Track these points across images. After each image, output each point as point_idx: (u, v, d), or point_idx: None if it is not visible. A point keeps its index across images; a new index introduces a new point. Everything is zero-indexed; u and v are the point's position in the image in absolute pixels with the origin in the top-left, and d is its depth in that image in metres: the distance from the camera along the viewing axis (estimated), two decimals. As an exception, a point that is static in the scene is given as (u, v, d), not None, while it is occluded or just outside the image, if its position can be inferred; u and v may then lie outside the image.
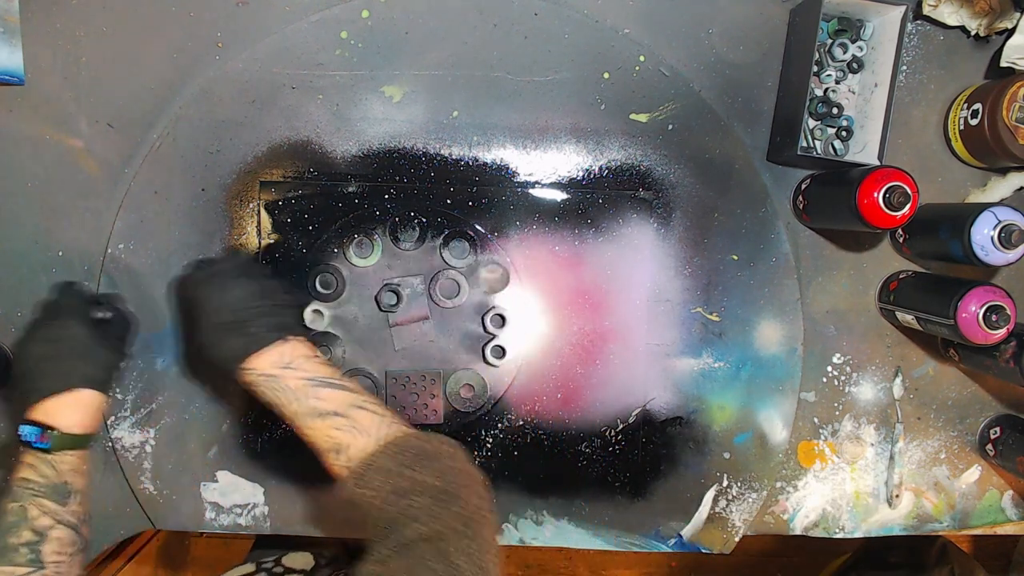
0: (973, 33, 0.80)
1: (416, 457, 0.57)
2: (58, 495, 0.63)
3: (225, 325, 0.63)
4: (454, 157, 0.81)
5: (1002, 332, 0.71)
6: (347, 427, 0.60)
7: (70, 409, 0.65)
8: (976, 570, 1.06)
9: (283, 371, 0.62)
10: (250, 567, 0.84)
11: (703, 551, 0.86)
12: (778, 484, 0.86)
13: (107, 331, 0.70)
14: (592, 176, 0.82)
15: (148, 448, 0.82)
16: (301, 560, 0.88)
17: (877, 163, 0.75)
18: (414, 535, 0.51)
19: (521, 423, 0.84)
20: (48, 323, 0.67)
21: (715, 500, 0.85)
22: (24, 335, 0.68)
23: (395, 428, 0.60)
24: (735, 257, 0.83)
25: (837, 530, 0.88)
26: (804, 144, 0.79)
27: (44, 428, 0.63)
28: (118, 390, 0.81)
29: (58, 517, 0.62)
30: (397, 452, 0.57)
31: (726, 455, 0.85)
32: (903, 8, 0.73)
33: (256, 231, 0.81)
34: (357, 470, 0.57)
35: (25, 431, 0.63)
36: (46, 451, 0.63)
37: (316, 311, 0.81)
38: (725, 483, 0.85)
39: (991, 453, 0.85)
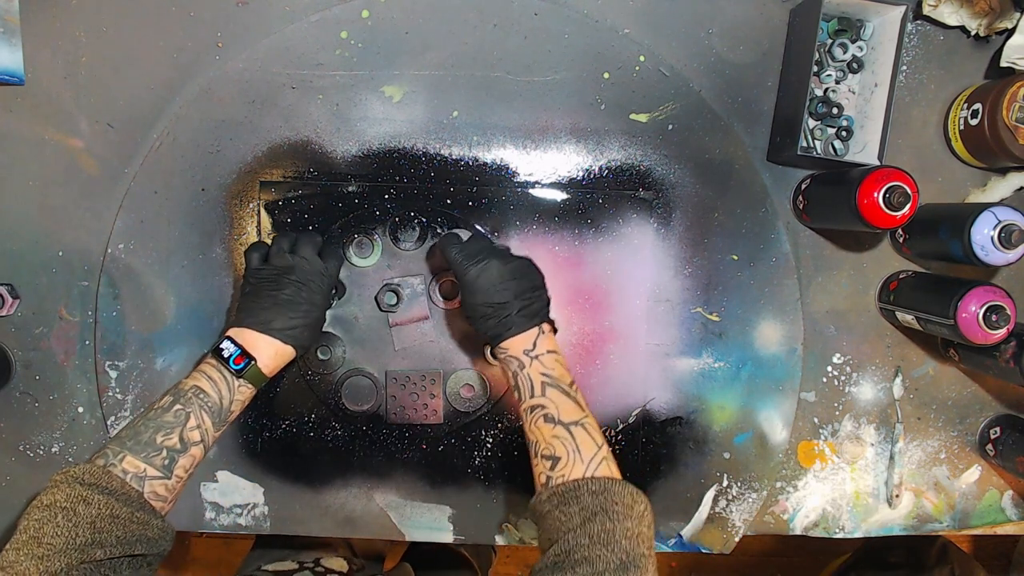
0: (973, 33, 0.80)
1: (619, 508, 0.57)
2: (219, 417, 0.64)
3: (488, 305, 0.67)
4: (454, 157, 0.81)
5: (1002, 332, 0.71)
6: (568, 443, 0.61)
7: (272, 353, 0.67)
8: (976, 570, 1.06)
9: (530, 360, 0.66)
10: (292, 564, 0.85)
11: (703, 551, 0.86)
12: (778, 484, 0.86)
13: (328, 293, 0.73)
14: (592, 176, 0.82)
15: (148, 448, 0.82)
16: (337, 564, 0.89)
17: (877, 163, 0.75)
18: (583, 574, 0.52)
19: (521, 423, 0.84)
20: (312, 276, 0.69)
21: (715, 500, 0.85)
22: (287, 261, 0.69)
23: (605, 465, 0.61)
24: (735, 257, 0.83)
25: (837, 530, 0.88)
26: (804, 144, 0.79)
27: (245, 353, 0.65)
28: (117, 390, 0.81)
29: (206, 437, 0.63)
30: (603, 492, 0.58)
31: (726, 455, 0.85)
32: (903, 8, 0.73)
33: (256, 231, 0.81)
34: (561, 492, 0.58)
35: (228, 346, 0.65)
36: (236, 373, 0.65)
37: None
38: (725, 483, 0.85)
39: (991, 453, 0.85)
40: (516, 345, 0.66)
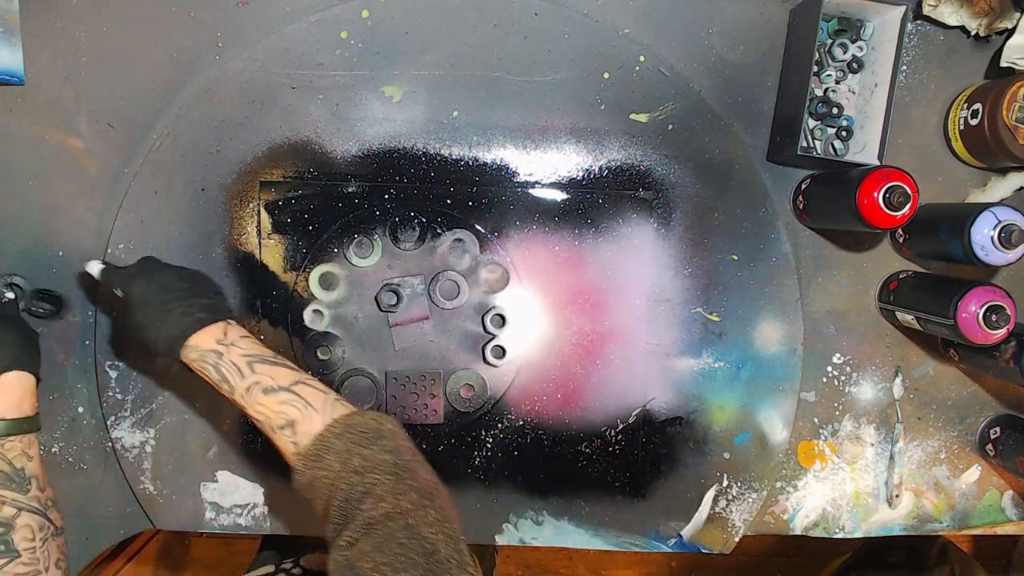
0: (973, 33, 0.80)
1: (366, 435, 0.57)
2: (14, 483, 0.62)
3: (163, 307, 0.63)
4: (454, 157, 0.81)
5: (1002, 332, 0.71)
6: (297, 402, 0.60)
7: (2, 394, 0.64)
8: (976, 570, 1.06)
9: (226, 348, 0.63)
10: (268, 568, 0.85)
11: (703, 551, 0.86)
12: (778, 484, 0.86)
13: (8, 308, 0.71)
14: (592, 176, 0.82)
15: (148, 448, 0.82)
16: (318, 560, 0.89)
17: (877, 163, 0.75)
18: (379, 513, 0.51)
19: (521, 423, 0.84)
20: None
21: (715, 500, 0.85)
22: None
23: (340, 406, 0.60)
24: (735, 257, 0.83)
25: (837, 530, 0.88)
26: (804, 144, 0.79)
27: None
28: (117, 390, 0.81)
29: (20, 505, 0.62)
30: (347, 430, 0.58)
31: (726, 455, 0.85)
32: (903, 8, 0.73)
33: (256, 231, 0.81)
34: (311, 451, 0.57)
35: None
36: None
37: (316, 311, 0.81)
38: (725, 483, 0.85)
39: (991, 453, 0.85)
40: (206, 339, 0.63)
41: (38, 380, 0.68)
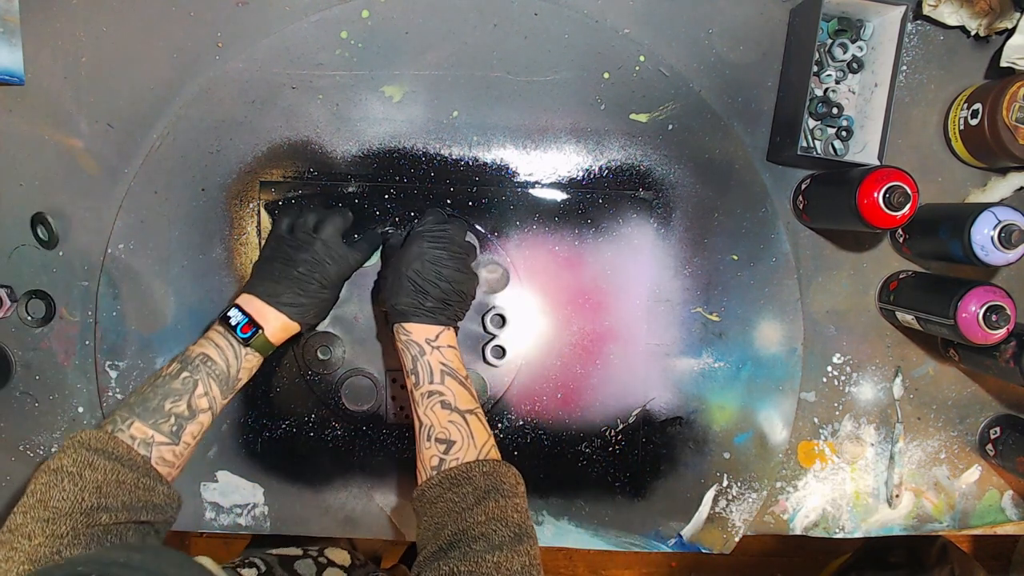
0: (973, 33, 0.80)
1: (506, 488, 0.59)
2: (226, 385, 0.65)
3: (412, 283, 0.67)
4: (454, 157, 0.81)
5: (1002, 332, 0.71)
6: (463, 428, 0.63)
7: (278, 325, 0.68)
8: (976, 570, 1.06)
9: (432, 348, 0.66)
10: (296, 550, 0.85)
11: (703, 551, 0.86)
12: (778, 484, 0.86)
13: (345, 273, 0.74)
14: (592, 176, 0.82)
15: (148, 448, 0.82)
16: (340, 556, 0.89)
17: (877, 163, 0.75)
18: (488, 560, 0.52)
19: (521, 423, 0.84)
20: (328, 259, 0.70)
21: (715, 500, 0.85)
22: (308, 239, 0.70)
23: (494, 451, 0.63)
24: (735, 257, 0.83)
25: (837, 530, 0.88)
26: (804, 144, 0.79)
27: (253, 322, 0.66)
28: (117, 390, 0.81)
29: (214, 404, 0.64)
30: (493, 473, 0.59)
31: (726, 455, 0.85)
32: (903, 8, 0.73)
33: (256, 231, 0.81)
34: (454, 475, 0.59)
35: (236, 314, 0.67)
36: (243, 342, 0.66)
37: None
38: (725, 483, 0.85)
39: (991, 453, 0.85)
40: (420, 332, 0.67)
41: (306, 330, 0.73)
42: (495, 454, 0.63)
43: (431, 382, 0.65)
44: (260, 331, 0.66)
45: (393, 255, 0.71)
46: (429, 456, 0.62)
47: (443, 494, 0.59)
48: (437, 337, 0.67)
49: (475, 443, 0.62)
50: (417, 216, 0.81)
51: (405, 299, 0.67)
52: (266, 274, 0.69)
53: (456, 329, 0.71)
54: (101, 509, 0.54)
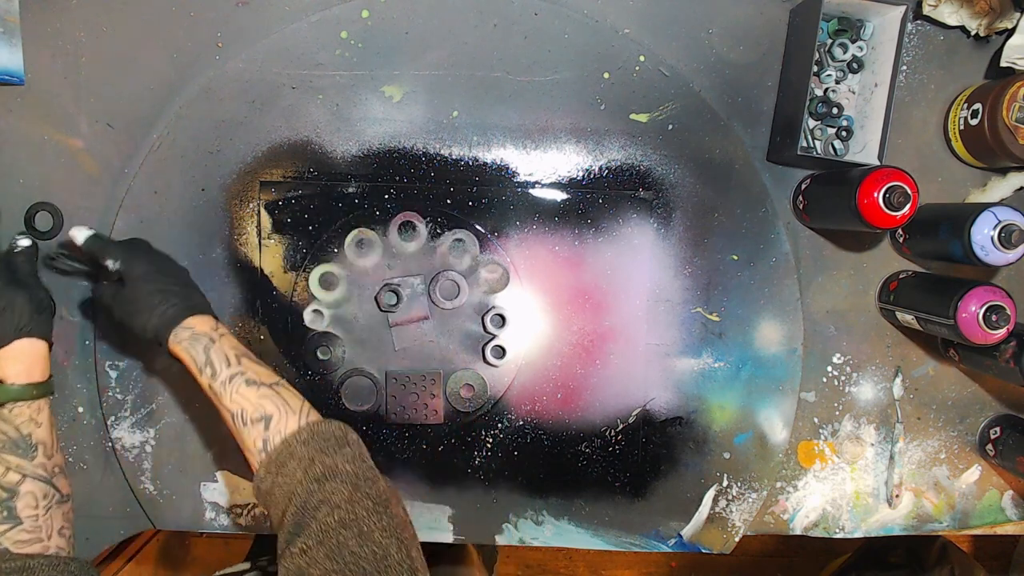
0: (973, 33, 0.80)
1: (330, 442, 0.58)
2: (20, 449, 0.62)
3: (162, 288, 0.65)
4: (454, 157, 0.81)
5: (1002, 332, 0.71)
6: (276, 400, 0.61)
7: (13, 360, 0.63)
8: (976, 570, 1.06)
9: (219, 336, 0.65)
10: (244, 564, 0.84)
11: (703, 551, 0.86)
12: (778, 484, 0.86)
13: (22, 267, 0.68)
14: (592, 176, 0.82)
15: (148, 448, 0.82)
16: None
17: (877, 163, 0.75)
18: (333, 520, 0.52)
19: (521, 423, 0.84)
20: None
21: (715, 500, 0.85)
22: None
23: (313, 413, 0.62)
24: (735, 257, 0.83)
25: (837, 530, 0.88)
26: (804, 144, 0.79)
27: None
28: (117, 389, 0.81)
29: (24, 471, 0.62)
30: (313, 436, 0.59)
31: (726, 455, 0.85)
32: (903, 8, 0.73)
33: (256, 231, 0.81)
34: (276, 457, 0.58)
35: None
36: None
37: (316, 311, 0.81)
38: (725, 483, 0.85)
39: (991, 453, 0.85)
40: (201, 324, 0.65)
41: (50, 344, 0.67)
42: (314, 415, 0.62)
43: (229, 366, 0.62)
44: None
45: (111, 301, 0.67)
46: (252, 440, 0.60)
47: (275, 480, 0.57)
48: (217, 326, 0.66)
49: (292, 409, 0.61)
50: (417, 215, 0.81)
51: (172, 302, 0.65)
52: None
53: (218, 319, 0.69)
54: None
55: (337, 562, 0.49)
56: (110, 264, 0.66)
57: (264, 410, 0.60)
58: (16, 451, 0.62)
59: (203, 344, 0.63)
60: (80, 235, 0.67)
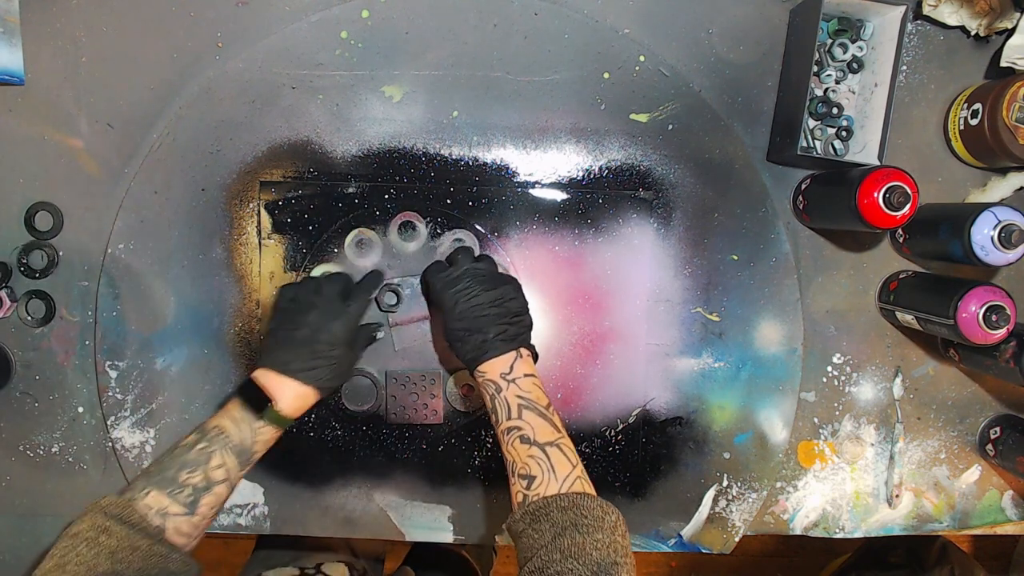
0: (973, 33, 0.80)
1: (587, 521, 0.57)
2: (242, 457, 0.66)
3: (466, 330, 0.68)
4: (454, 157, 0.81)
5: (1002, 332, 0.71)
6: (543, 462, 0.62)
7: (295, 395, 0.68)
8: (976, 570, 1.06)
9: (507, 383, 0.66)
10: (293, 570, 0.86)
11: (703, 551, 0.86)
12: (778, 484, 0.86)
13: (363, 342, 0.77)
14: (592, 176, 0.82)
15: (148, 448, 0.82)
16: (339, 571, 0.89)
17: (877, 163, 0.75)
18: None
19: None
20: (331, 316, 0.70)
21: (715, 500, 0.85)
22: (308, 300, 0.70)
23: (579, 483, 0.62)
24: (735, 257, 0.83)
25: (837, 530, 0.88)
26: (804, 144, 0.79)
27: (266, 398, 0.67)
28: (117, 390, 0.81)
29: (231, 476, 0.65)
30: (572, 507, 0.58)
31: (726, 455, 0.85)
32: (903, 8, 0.73)
33: (256, 231, 0.81)
34: (532, 510, 0.59)
35: (248, 388, 0.67)
36: (257, 416, 0.66)
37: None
38: (725, 483, 0.85)
39: (991, 453, 0.85)
40: (494, 369, 0.67)
41: (327, 395, 0.73)
42: (580, 486, 0.61)
43: (509, 418, 0.64)
44: (271, 405, 0.66)
45: (438, 313, 0.71)
46: (515, 492, 0.63)
47: (524, 529, 0.58)
48: (512, 369, 0.66)
49: (556, 476, 0.61)
50: (417, 215, 0.81)
51: (467, 347, 0.68)
52: (274, 345, 0.69)
53: (533, 353, 0.70)
54: (116, 574, 0.55)
55: None
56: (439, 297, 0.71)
57: (529, 470, 0.62)
58: (239, 457, 0.66)
59: (490, 392, 0.66)
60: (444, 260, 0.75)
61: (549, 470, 0.61)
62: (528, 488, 0.61)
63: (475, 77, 0.79)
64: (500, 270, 0.75)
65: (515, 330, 0.69)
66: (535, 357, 0.71)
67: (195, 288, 0.81)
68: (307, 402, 0.70)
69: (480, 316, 0.68)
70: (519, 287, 0.72)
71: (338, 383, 0.72)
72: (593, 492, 0.61)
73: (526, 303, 0.72)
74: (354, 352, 0.73)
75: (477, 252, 0.81)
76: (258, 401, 0.66)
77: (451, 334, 0.69)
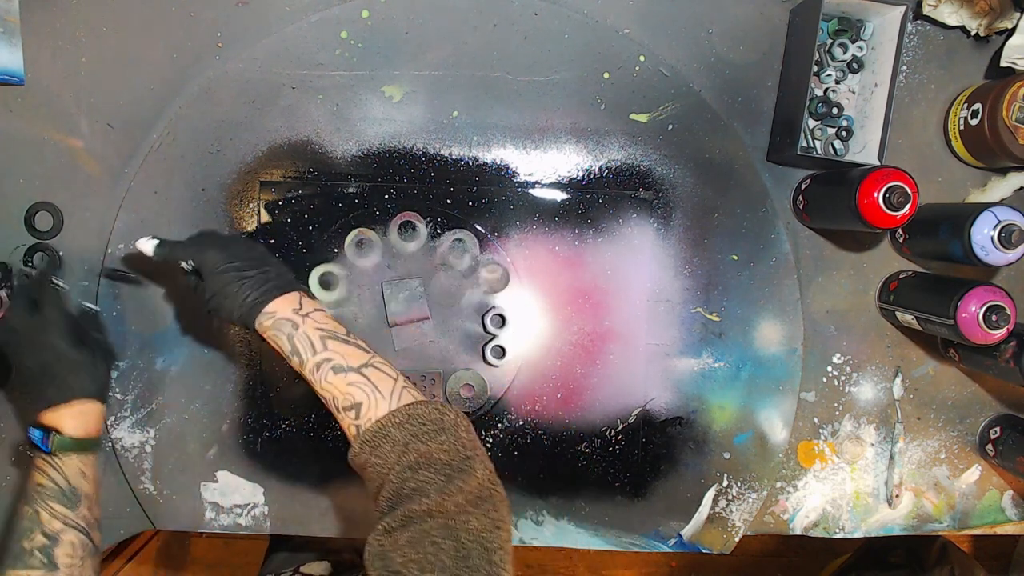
0: (973, 33, 0.80)
1: (426, 428, 0.56)
2: (67, 499, 0.65)
3: (239, 274, 0.63)
4: (454, 157, 0.81)
5: (1002, 332, 0.71)
6: (365, 385, 0.59)
7: (71, 417, 0.67)
8: (976, 570, 1.06)
9: (302, 318, 0.62)
10: (324, 564, 0.85)
11: (703, 551, 0.86)
12: (778, 484, 0.86)
13: (93, 330, 0.72)
14: (592, 176, 0.82)
15: (148, 448, 0.82)
16: (319, 568, 0.89)
17: (877, 163, 0.75)
18: (421, 510, 0.51)
19: (521, 423, 0.84)
20: (36, 336, 0.67)
21: (715, 500, 0.85)
22: (16, 339, 0.68)
23: (407, 394, 0.60)
24: (735, 257, 0.83)
25: (837, 530, 0.88)
26: (804, 144, 0.79)
27: (48, 432, 0.65)
28: (117, 390, 0.81)
29: (68, 521, 0.64)
30: (408, 420, 0.57)
31: (726, 455, 0.85)
32: (903, 8, 0.73)
33: (256, 231, 0.81)
34: (369, 437, 0.57)
35: (33, 434, 0.66)
36: (49, 453, 0.65)
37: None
38: (725, 483, 0.85)
39: (991, 453, 0.85)
40: (283, 307, 0.62)
41: (104, 402, 0.71)
42: (409, 396, 0.59)
43: (315, 353, 0.61)
44: (58, 435, 0.65)
45: (198, 286, 0.67)
46: (346, 427, 0.60)
47: (367, 459, 0.57)
48: (301, 304, 0.63)
49: (382, 394, 0.59)
50: (417, 215, 0.81)
51: (246, 292, 0.63)
52: (30, 382, 0.67)
53: (304, 292, 0.66)
54: None
55: (417, 551, 0.49)
56: (184, 265, 0.67)
57: (352, 397, 0.59)
58: (63, 500, 0.64)
59: (286, 331, 0.62)
60: (148, 247, 0.68)
61: (373, 391, 0.59)
62: (358, 417, 0.58)
63: (475, 77, 0.79)
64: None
65: (287, 274, 0.66)
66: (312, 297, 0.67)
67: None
68: (91, 416, 0.68)
69: (250, 259, 0.64)
70: (252, 241, 0.68)
71: (99, 380, 0.69)
72: (423, 397, 0.60)
73: (266, 253, 0.68)
74: (85, 343, 0.69)
75: (478, 252, 0.81)
76: (41, 441, 0.65)
77: (224, 282, 0.63)
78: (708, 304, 0.83)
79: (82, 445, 0.67)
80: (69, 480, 0.65)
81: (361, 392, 0.59)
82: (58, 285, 0.75)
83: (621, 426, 0.84)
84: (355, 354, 0.61)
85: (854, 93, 0.80)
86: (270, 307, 0.63)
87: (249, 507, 0.83)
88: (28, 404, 0.69)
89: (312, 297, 0.66)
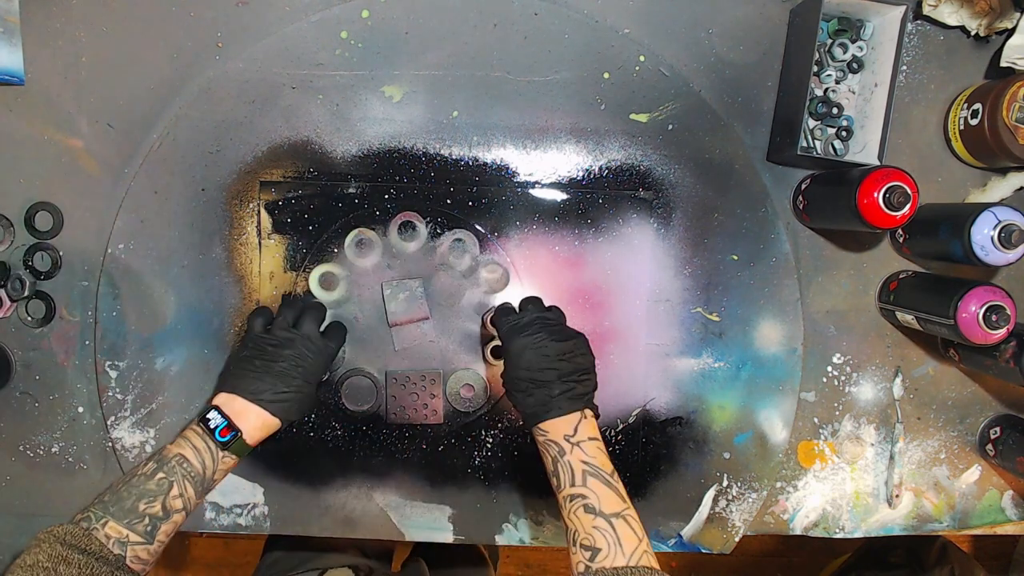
0: (973, 33, 0.80)
1: None
2: (201, 486, 0.65)
3: (530, 381, 0.65)
4: (454, 157, 0.81)
5: (1002, 332, 0.71)
6: (609, 535, 0.59)
7: (259, 424, 0.67)
8: (976, 570, 1.06)
9: (571, 447, 0.63)
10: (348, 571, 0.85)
11: (703, 551, 0.86)
12: (778, 484, 0.86)
13: (322, 370, 0.73)
14: (592, 176, 0.82)
15: (148, 448, 0.82)
16: (341, 574, 0.89)
17: (877, 163, 0.75)
18: None
19: (521, 423, 0.84)
20: (311, 352, 0.70)
21: (715, 500, 0.85)
22: (288, 335, 0.69)
23: (647, 557, 0.59)
24: (735, 257, 0.83)
25: (837, 530, 0.88)
26: (804, 144, 0.79)
27: (232, 425, 0.66)
28: (117, 390, 0.81)
29: (188, 505, 0.64)
30: None
31: (726, 455, 0.85)
32: (903, 8, 0.73)
33: (256, 231, 0.81)
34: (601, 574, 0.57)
35: (215, 417, 0.66)
36: (221, 446, 0.65)
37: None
38: (725, 483, 0.85)
39: (991, 453, 0.85)
40: (557, 429, 0.63)
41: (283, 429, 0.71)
42: (647, 561, 0.59)
43: (573, 484, 0.61)
44: (238, 434, 0.66)
45: (506, 361, 0.68)
46: (576, 562, 0.60)
47: None
48: (576, 431, 0.63)
49: (623, 550, 0.58)
50: (417, 215, 0.81)
51: (530, 401, 0.65)
52: (246, 372, 0.68)
53: (596, 413, 0.66)
54: None
55: None
56: (497, 334, 0.70)
57: (594, 541, 0.59)
58: (197, 487, 0.64)
59: (552, 453, 0.63)
60: (515, 304, 0.72)
61: (615, 543, 0.59)
62: (591, 560, 0.59)
63: (475, 77, 0.79)
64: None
65: (581, 388, 0.65)
66: (597, 416, 0.67)
67: (195, 288, 0.81)
68: (268, 433, 0.69)
69: (547, 368, 0.64)
70: (587, 343, 0.68)
71: (300, 417, 0.72)
72: (658, 567, 0.59)
73: (593, 360, 0.68)
74: (317, 391, 0.72)
75: (478, 252, 0.81)
76: (220, 431, 0.66)
77: (513, 383, 0.66)
78: (708, 304, 0.83)
79: (246, 452, 0.67)
80: (215, 473, 0.66)
81: (603, 540, 0.59)
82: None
83: (621, 426, 0.84)
84: (611, 500, 0.61)
85: (854, 93, 0.80)
86: (545, 425, 0.64)
87: (249, 507, 0.83)
88: (232, 382, 0.67)
89: (596, 415, 0.66)
